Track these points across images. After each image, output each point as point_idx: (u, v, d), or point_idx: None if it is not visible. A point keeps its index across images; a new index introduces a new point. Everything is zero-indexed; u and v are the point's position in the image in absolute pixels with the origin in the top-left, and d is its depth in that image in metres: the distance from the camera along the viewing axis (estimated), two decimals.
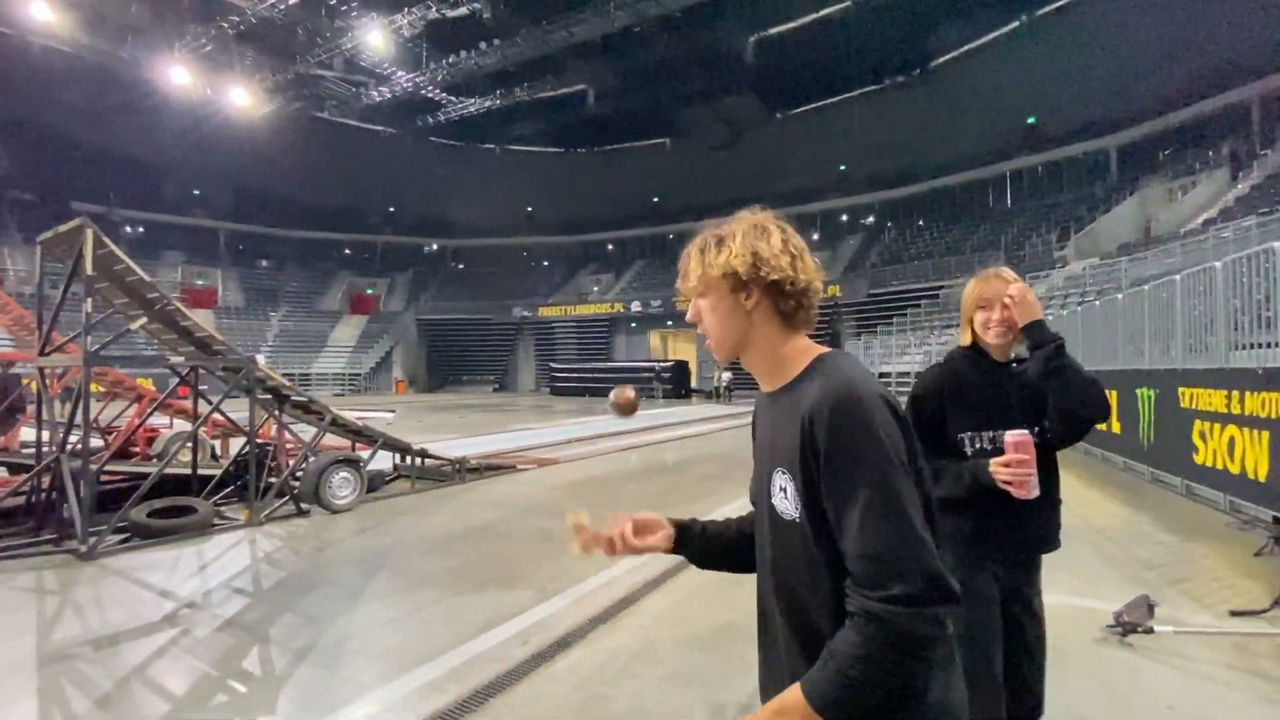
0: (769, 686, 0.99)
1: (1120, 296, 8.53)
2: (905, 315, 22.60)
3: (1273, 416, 4.56)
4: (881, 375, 18.11)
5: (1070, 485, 6.98)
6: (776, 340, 0.96)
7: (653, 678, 2.72)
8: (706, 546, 1.13)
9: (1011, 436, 1.52)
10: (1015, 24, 27.75)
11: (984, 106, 30.45)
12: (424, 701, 2.50)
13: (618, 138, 39.53)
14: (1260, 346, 5.30)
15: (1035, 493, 1.52)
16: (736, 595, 3.64)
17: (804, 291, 0.94)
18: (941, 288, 25.33)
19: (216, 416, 6.33)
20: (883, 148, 34.00)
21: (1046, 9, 26.63)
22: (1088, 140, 30.05)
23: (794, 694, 0.82)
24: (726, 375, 25.80)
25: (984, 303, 1.67)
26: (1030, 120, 31.44)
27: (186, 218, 39.69)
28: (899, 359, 18.87)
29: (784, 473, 0.90)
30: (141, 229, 38.26)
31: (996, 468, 1.55)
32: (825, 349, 0.97)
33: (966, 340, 1.73)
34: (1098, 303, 9.83)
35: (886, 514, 0.79)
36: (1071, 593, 3.67)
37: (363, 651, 3.00)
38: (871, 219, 37.41)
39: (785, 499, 0.90)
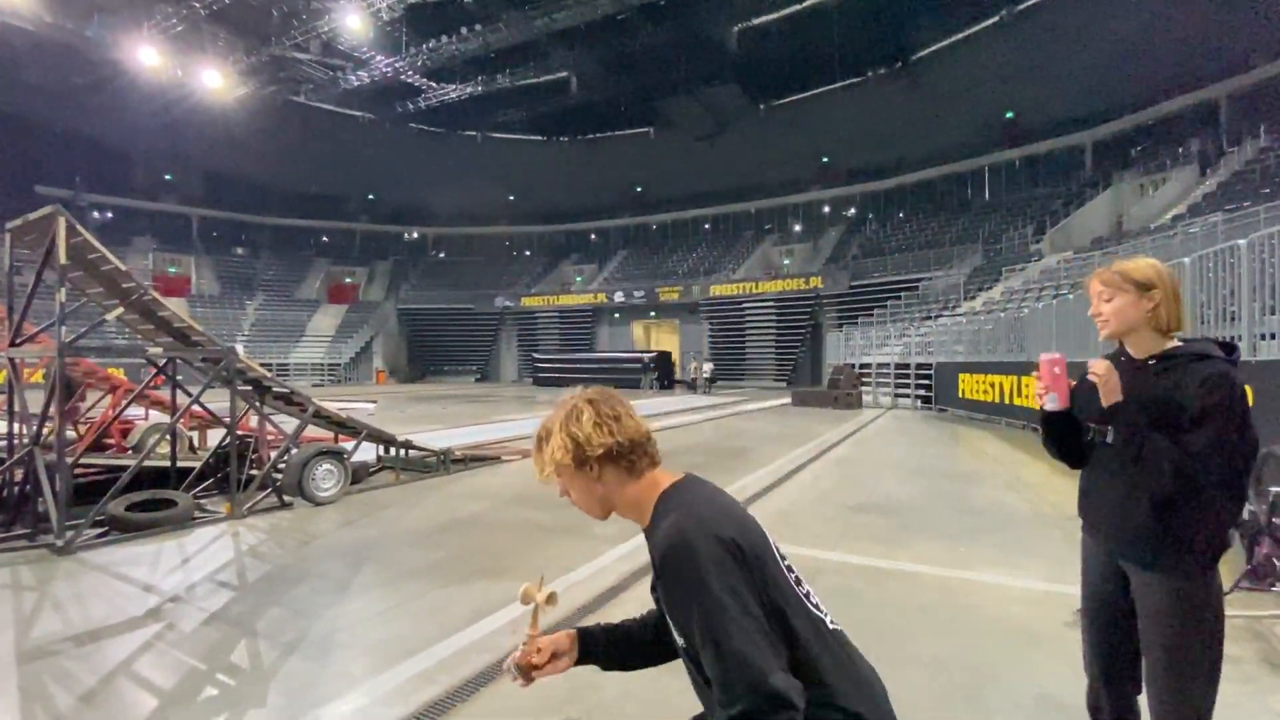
0: None
1: None
2: (885, 307, 22.88)
3: None
4: (862, 366, 18.34)
5: (1042, 473, 7.22)
6: (629, 489, 1.12)
7: None
8: (610, 649, 1.28)
9: (1044, 356, 1.68)
10: (995, 19, 27.99)
11: (963, 100, 30.74)
12: (415, 693, 2.53)
13: (601, 126, 39.24)
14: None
15: (1051, 405, 1.65)
16: None
17: (632, 448, 1.10)
18: (921, 280, 25.66)
19: (195, 408, 6.24)
20: (865, 140, 34.21)
21: (1025, 4, 26.89)
22: (1064, 135, 30.54)
23: None
24: (708, 366, 25.85)
25: (1092, 298, 1.66)
26: (1008, 114, 31.84)
27: (157, 203, 38.67)
28: (879, 350, 19.11)
29: (661, 613, 1.08)
30: (110, 214, 37.21)
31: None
32: (668, 484, 1.11)
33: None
34: (1071, 296, 10.07)
35: (716, 646, 0.92)
36: (1042, 578, 3.81)
37: (352, 644, 3.01)
38: (853, 211, 37.69)
39: (673, 632, 1.06)
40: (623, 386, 27.05)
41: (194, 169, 38.12)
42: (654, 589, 1.13)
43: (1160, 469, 1.46)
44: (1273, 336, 5.15)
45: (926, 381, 15.91)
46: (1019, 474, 7.29)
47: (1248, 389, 1.50)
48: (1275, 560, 3.21)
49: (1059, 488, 6.36)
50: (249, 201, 40.62)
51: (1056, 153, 31.12)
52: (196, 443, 7.74)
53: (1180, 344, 1.55)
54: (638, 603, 3.51)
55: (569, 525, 5.15)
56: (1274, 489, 3.42)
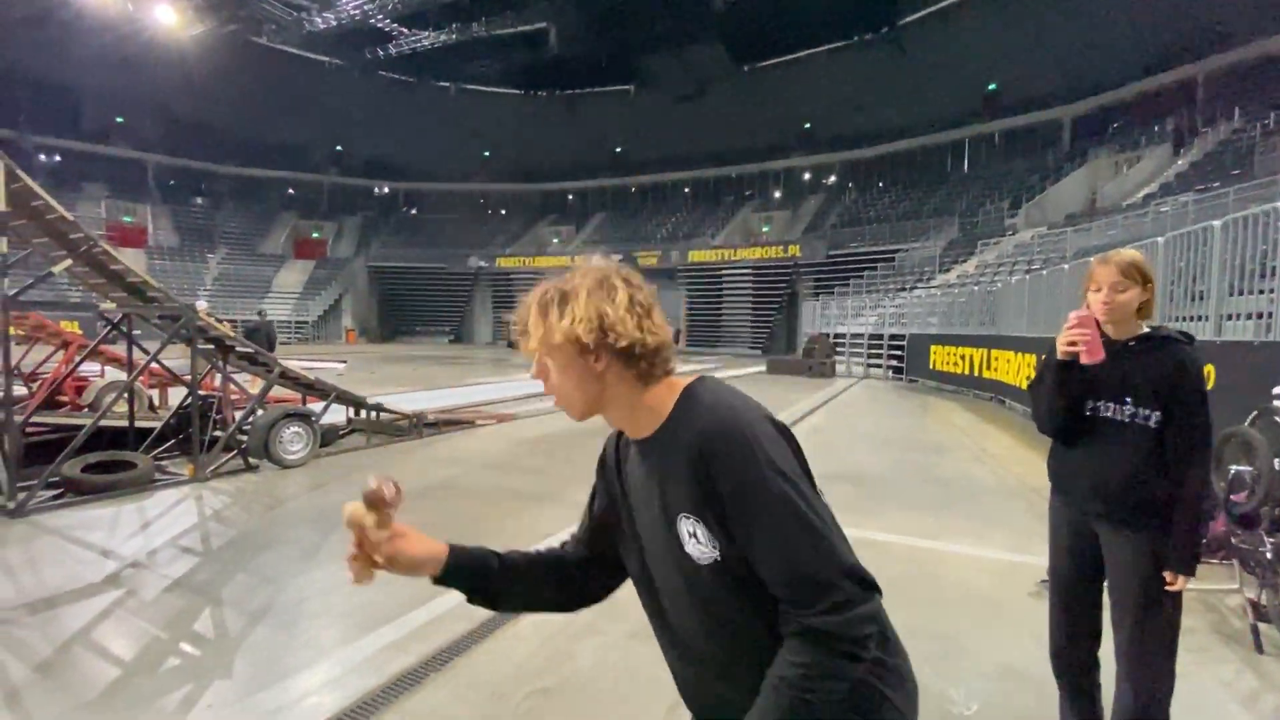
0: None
1: (1066, 267, 8.87)
2: (862, 278, 23.00)
3: None
4: (837, 336, 18.52)
5: (1007, 445, 7.41)
6: (634, 396, 0.91)
7: (616, 634, 2.78)
8: (488, 577, 1.03)
9: (1083, 313, 1.73)
10: None
11: (947, 70, 30.50)
12: (388, 662, 2.49)
13: (580, 82, 38.08)
14: (1192, 320, 5.62)
15: (1099, 356, 1.69)
16: None
17: (655, 351, 0.89)
18: (898, 251, 25.81)
19: (154, 366, 6.00)
20: (847, 107, 33.86)
21: None
22: (1044, 110, 30.60)
23: None
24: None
25: (1096, 285, 1.77)
26: (991, 87, 31.74)
27: (109, 147, 36.61)
28: (854, 320, 19.29)
29: (689, 518, 0.87)
30: (58, 158, 35.21)
31: (1060, 342, 1.74)
32: (688, 379, 0.93)
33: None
34: (1045, 271, 10.20)
35: (799, 532, 0.81)
36: (1007, 549, 3.91)
37: (322, 612, 2.96)
38: (833, 179, 37.52)
39: (699, 543, 0.87)
40: None
41: (148, 112, 35.99)
42: (614, 509, 0.98)
43: (1183, 444, 1.66)
44: (1236, 317, 5.28)
45: (899, 352, 16.14)
46: (985, 445, 7.47)
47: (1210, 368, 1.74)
48: (1231, 537, 3.32)
49: (1023, 459, 6.53)
50: (208, 149, 38.70)
51: (1036, 127, 31.21)
52: (156, 402, 7.49)
53: (1148, 329, 1.77)
54: None
55: (544, 492, 5.13)
56: (1233, 467, 3.51)
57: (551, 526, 4.20)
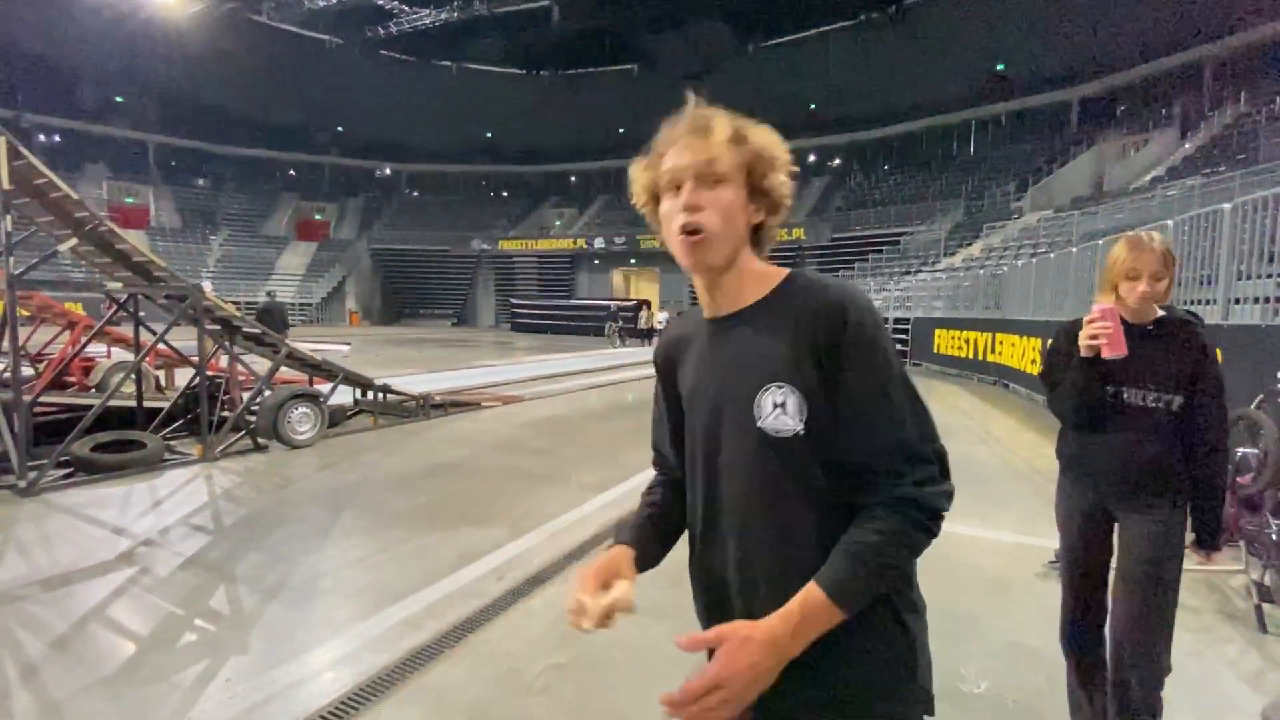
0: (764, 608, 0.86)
1: (1073, 250, 8.81)
2: (867, 261, 22.87)
3: None
4: None
5: (1012, 428, 7.41)
6: (749, 259, 0.93)
7: None
8: (656, 551, 1.07)
9: (1106, 305, 1.70)
10: None
11: (955, 50, 30.02)
12: (402, 639, 2.52)
13: (583, 61, 37.56)
14: (1199, 303, 5.59)
15: (1121, 350, 1.65)
16: None
17: (776, 226, 0.96)
18: (903, 234, 25.63)
19: (160, 346, 6.01)
20: (853, 88, 33.41)
21: None
22: (1052, 91, 30.17)
23: (813, 597, 0.80)
24: (663, 315, 24.98)
25: (1135, 273, 1.71)
26: (1000, 66, 31.27)
27: (109, 127, 36.29)
28: None
29: (782, 386, 0.85)
30: (58, 138, 34.92)
31: (1083, 337, 1.71)
32: (781, 268, 0.95)
33: (1108, 301, 1.76)
34: (1052, 255, 10.13)
35: (909, 405, 0.84)
36: (1014, 531, 3.93)
37: (335, 590, 2.99)
38: (838, 161, 37.14)
39: (785, 414, 0.85)
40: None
41: (147, 91, 35.62)
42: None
43: (1201, 427, 1.69)
44: (1243, 301, 5.25)
45: (903, 336, 16.10)
46: (990, 428, 7.47)
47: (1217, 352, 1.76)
48: (1237, 519, 3.33)
49: (1028, 442, 6.54)
50: (209, 129, 38.35)
51: (1043, 109, 30.79)
52: (163, 382, 7.50)
53: (1163, 311, 1.76)
54: None
55: (551, 473, 5.16)
56: (1239, 450, 3.52)
57: (559, 507, 4.24)
